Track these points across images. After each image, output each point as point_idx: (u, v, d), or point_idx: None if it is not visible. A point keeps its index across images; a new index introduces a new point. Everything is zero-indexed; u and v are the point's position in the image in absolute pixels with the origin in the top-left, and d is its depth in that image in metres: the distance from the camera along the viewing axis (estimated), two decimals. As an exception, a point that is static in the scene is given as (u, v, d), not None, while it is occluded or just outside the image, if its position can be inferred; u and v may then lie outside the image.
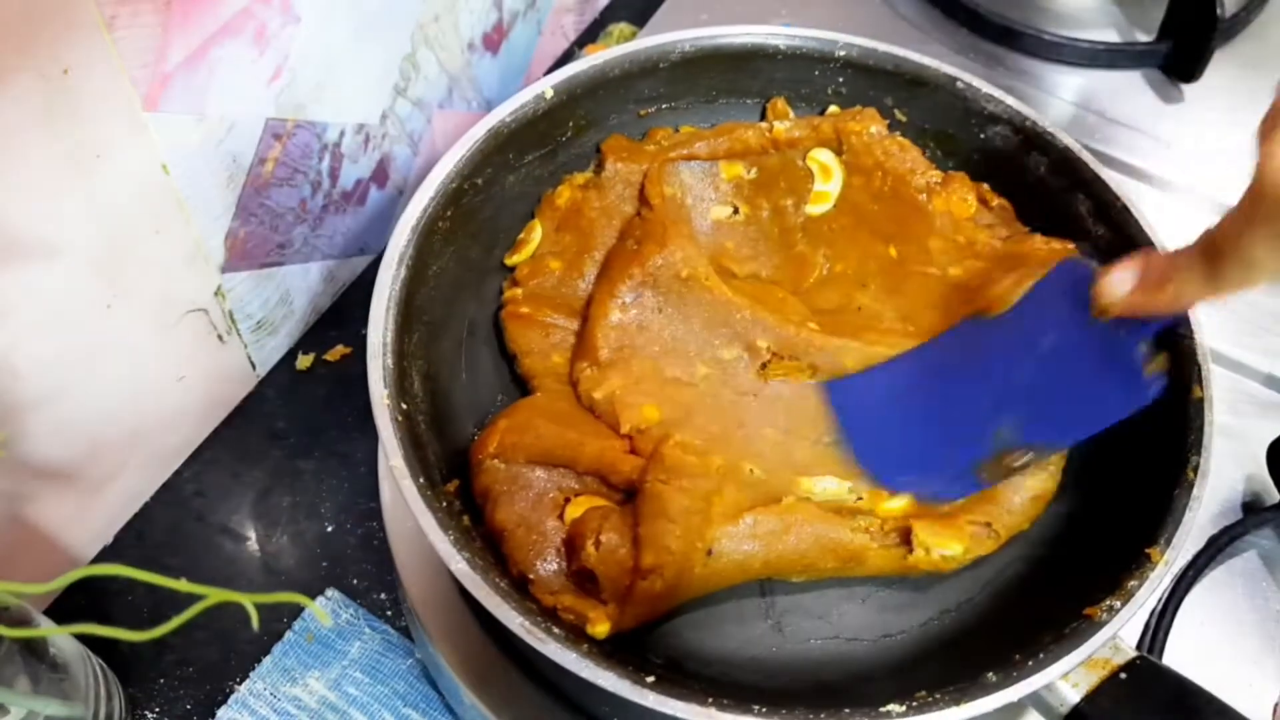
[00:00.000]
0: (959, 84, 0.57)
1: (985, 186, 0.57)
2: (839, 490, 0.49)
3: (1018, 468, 0.47)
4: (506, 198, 0.55)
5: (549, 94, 0.54)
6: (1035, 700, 0.41)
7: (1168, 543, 0.42)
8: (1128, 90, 0.75)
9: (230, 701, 0.54)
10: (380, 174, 0.67)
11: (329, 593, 0.57)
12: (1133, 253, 0.43)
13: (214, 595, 0.36)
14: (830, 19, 0.72)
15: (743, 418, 0.50)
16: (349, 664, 0.55)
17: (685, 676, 0.43)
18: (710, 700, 0.37)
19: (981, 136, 0.57)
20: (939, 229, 0.56)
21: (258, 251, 0.59)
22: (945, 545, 0.46)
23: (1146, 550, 0.42)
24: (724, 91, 0.60)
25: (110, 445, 0.56)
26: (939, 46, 0.77)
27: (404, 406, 0.45)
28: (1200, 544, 0.57)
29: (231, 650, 0.55)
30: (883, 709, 0.38)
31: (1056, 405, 0.46)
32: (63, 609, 0.55)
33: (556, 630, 0.39)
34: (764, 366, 0.52)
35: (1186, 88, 0.75)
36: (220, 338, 0.60)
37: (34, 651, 0.45)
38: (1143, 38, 0.78)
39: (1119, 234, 0.52)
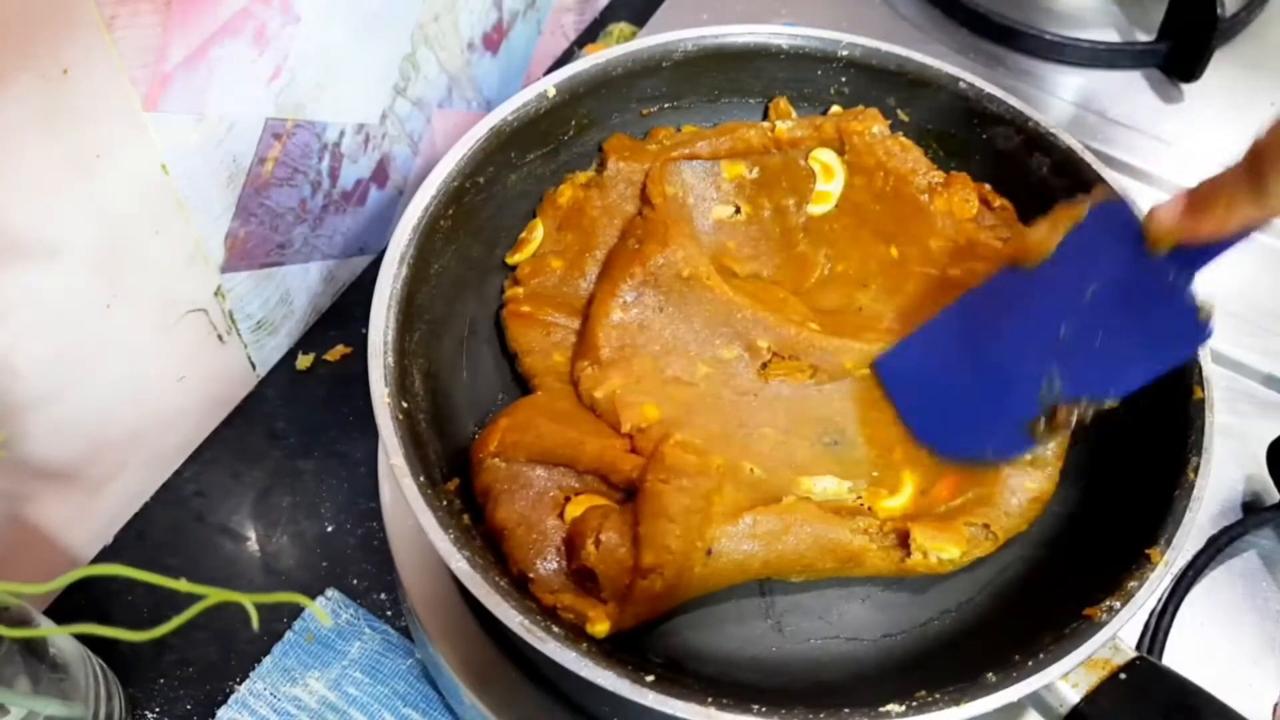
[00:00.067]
0: (961, 84, 0.57)
1: (987, 187, 0.57)
2: (839, 490, 0.49)
3: (1070, 422, 0.46)
4: (508, 196, 0.55)
5: (551, 93, 0.54)
6: (1035, 700, 0.41)
7: (1167, 543, 0.42)
8: (1128, 90, 0.75)
9: (230, 701, 0.54)
10: (380, 174, 0.67)
11: (329, 593, 0.57)
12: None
13: (214, 595, 0.35)
14: (830, 19, 0.73)
15: (743, 417, 0.50)
16: (349, 664, 0.55)
17: (685, 676, 0.43)
18: (710, 700, 0.37)
19: (984, 137, 0.57)
20: (940, 229, 0.56)
21: (258, 251, 0.59)
22: (943, 549, 0.46)
23: (1146, 550, 0.42)
24: (726, 91, 0.60)
25: (110, 445, 0.56)
26: (939, 46, 0.77)
27: (405, 405, 0.45)
28: (1200, 544, 0.57)
29: (231, 650, 0.55)
30: (883, 709, 0.38)
31: (1107, 354, 0.45)
32: (63, 609, 0.55)
33: (556, 629, 0.39)
34: (764, 366, 0.52)
35: (1186, 88, 0.75)
36: (220, 338, 0.60)
37: (34, 651, 0.45)
38: (1143, 38, 0.78)
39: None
